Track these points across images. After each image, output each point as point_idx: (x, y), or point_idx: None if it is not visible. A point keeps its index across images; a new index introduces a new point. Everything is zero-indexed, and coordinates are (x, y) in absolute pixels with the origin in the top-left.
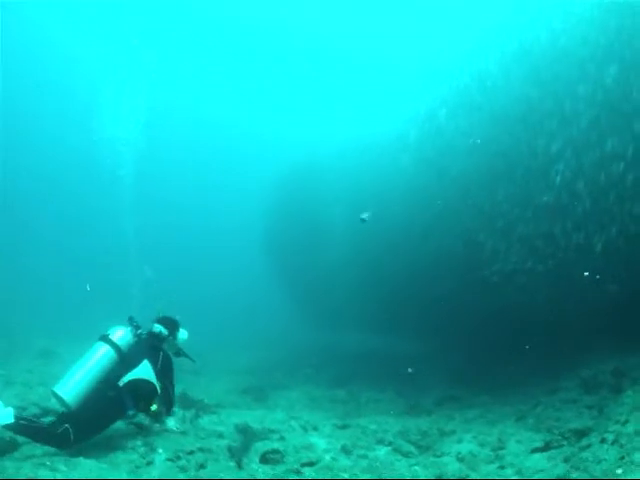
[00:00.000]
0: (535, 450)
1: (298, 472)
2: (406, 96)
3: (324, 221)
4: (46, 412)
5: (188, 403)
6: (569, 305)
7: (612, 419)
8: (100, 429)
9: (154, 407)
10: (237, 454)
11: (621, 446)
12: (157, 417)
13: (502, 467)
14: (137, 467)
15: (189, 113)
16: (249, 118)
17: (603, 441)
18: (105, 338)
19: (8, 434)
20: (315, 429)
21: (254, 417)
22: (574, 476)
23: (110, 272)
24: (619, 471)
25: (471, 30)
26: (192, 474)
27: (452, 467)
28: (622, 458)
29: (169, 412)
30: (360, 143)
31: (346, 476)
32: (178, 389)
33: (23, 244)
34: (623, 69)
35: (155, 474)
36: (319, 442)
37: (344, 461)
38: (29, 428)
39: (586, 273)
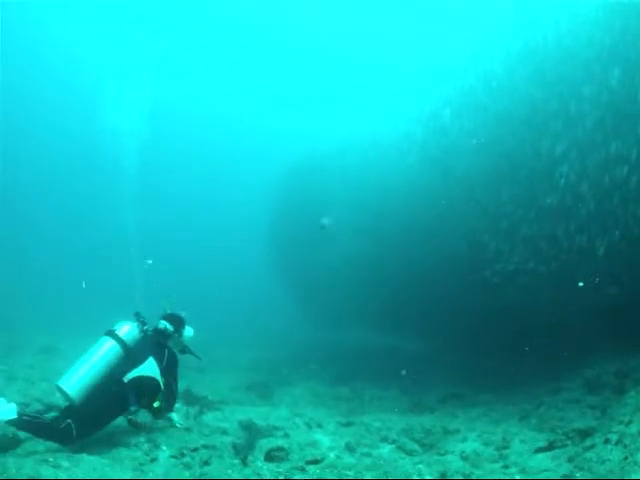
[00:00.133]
0: (539, 450)
1: (303, 470)
2: (411, 95)
3: (328, 219)
4: (49, 408)
5: (192, 399)
6: (572, 306)
7: (616, 419)
8: (102, 424)
9: (156, 404)
10: (242, 451)
11: (625, 446)
12: (159, 414)
13: (506, 466)
14: (141, 464)
15: (193, 108)
16: (254, 114)
17: (607, 441)
18: (111, 333)
19: (11, 430)
20: (319, 426)
21: (258, 414)
22: (578, 476)
23: (111, 266)
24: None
25: (476, 30)
26: (196, 471)
27: (456, 465)
28: (626, 458)
29: (171, 409)
30: (364, 141)
31: (351, 475)
32: (182, 385)
33: (24, 237)
34: (628, 70)
35: (159, 471)
36: (323, 439)
37: (348, 459)
38: (32, 424)
39: (580, 284)
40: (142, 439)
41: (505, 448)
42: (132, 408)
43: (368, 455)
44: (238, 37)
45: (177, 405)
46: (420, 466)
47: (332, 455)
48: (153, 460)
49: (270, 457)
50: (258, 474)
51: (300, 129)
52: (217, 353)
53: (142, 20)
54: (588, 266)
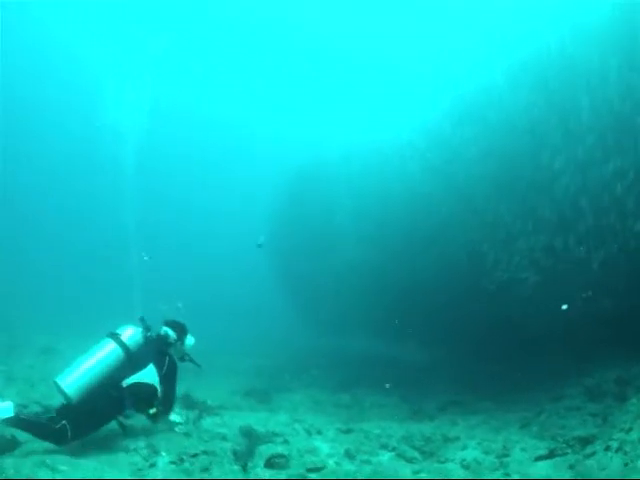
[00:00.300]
0: (540, 458)
1: (304, 478)
2: (413, 103)
3: (329, 226)
4: (48, 410)
5: (191, 404)
6: (573, 314)
7: (617, 427)
8: (97, 426)
9: (152, 410)
10: (242, 458)
11: (625, 453)
12: (154, 419)
13: (507, 474)
14: (140, 469)
15: (195, 111)
16: (257, 118)
17: (607, 449)
18: (114, 336)
19: (9, 432)
20: (319, 433)
21: (257, 419)
22: None
23: (111, 266)
24: None
25: (478, 40)
26: (196, 478)
27: (457, 474)
28: (626, 465)
29: (168, 413)
30: (367, 149)
31: None
32: (181, 390)
33: (23, 237)
34: (630, 83)
35: (158, 477)
36: (323, 446)
37: (348, 466)
38: (28, 422)
39: (564, 306)
40: (141, 444)
41: (506, 456)
42: (127, 412)
43: (368, 462)
44: (242, 40)
45: (176, 410)
46: (420, 474)
47: (332, 462)
48: (152, 466)
49: (270, 464)
50: None
51: (304, 135)
52: (217, 358)
53: (143, 20)
54: (586, 277)
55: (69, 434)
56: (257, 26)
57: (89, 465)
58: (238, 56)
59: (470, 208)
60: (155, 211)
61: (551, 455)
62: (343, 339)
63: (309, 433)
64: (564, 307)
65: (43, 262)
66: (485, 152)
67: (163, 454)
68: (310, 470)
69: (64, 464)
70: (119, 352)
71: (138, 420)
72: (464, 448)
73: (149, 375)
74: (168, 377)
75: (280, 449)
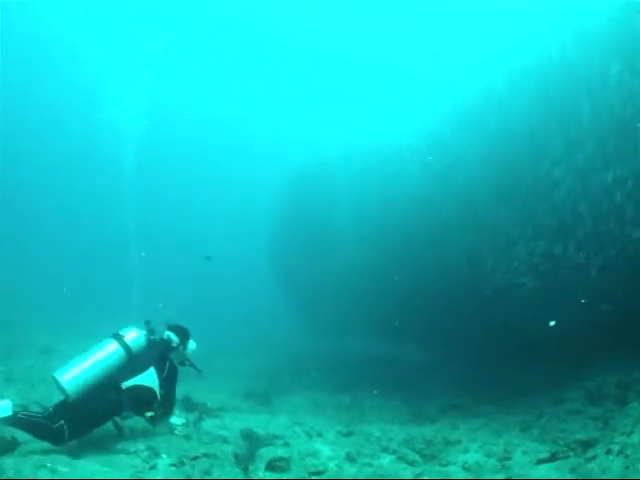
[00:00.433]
0: (541, 461)
1: None
2: (414, 107)
3: (329, 228)
4: (45, 408)
5: (191, 406)
6: (572, 320)
7: (618, 430)
8: (95, 427)
9: (150, 413)
10: (243, 461)
11: (626, 457)
12: (152, 422)
13: (509, 478)
14: (140, 472)
15: (195, 112)
16: (258, 119)
17: (609, 452)
18: (117, 336)
19: (9, 433)
20: (319, 435)
21: (258, 422)
22: None
23: (110, 266)
24: None
25: (479, 45)
26: None
27: (458, 477)
28: (627, 468)
29: (168, 416)
30: (367, 150)
31: None
32: (181, 391)
33: (23, 237)
34: (631, 88)
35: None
36: (323, 449)
37: (349, 469)
38: (26, 422)
39: (552, 323)
40: (141, 446)
41: (507, 459)
42: (125, 413)
43: (369, 465)
44: (243, 41)
45: (176, 412)
46: (422, 477)
47: (332, 465)
48: (152, 468)
49: (271, 467)
50: None
51: (305, 136)
52: (216, 360)
53: (142, 20)
54: (585, 283)
55: (67, 434)
56: (259, 28)
57: (89, 467)
58: (239, 56)
59: (470, 213)
60: (155, 211)
61: (553, 458)
62: (343, 341)
63: (309, 436)
64: (552, 324)
65: (43, 262)
66: (485, 157)
67: (163, 456)
68: (312, 473)
69: (64, 466)
70: (121, 353)
71: (138, 422)
72: (465, 451)
73: (149, 378)
74: (168, 381)
75: (281, 452)
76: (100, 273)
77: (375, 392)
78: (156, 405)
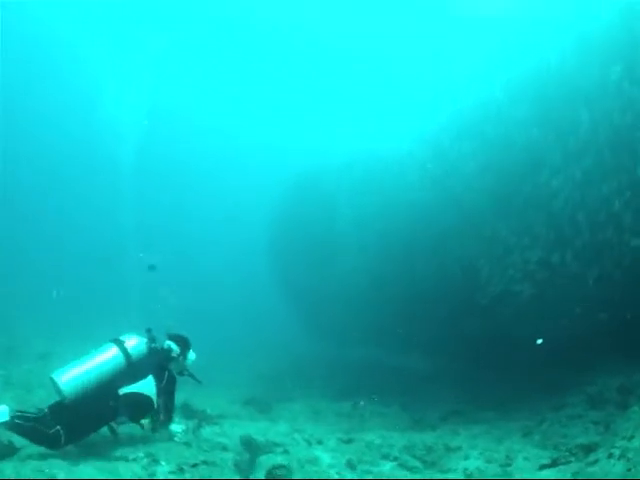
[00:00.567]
0: (543, 467)
1: None
2: (414, 114)
3: (330, 234)
4: (41, 409)
5: (190, 413)
6: (571, 326)
7: (619, 434)
8: (91, 431)
9: (145, 421)
10: (243, 469)
11: (628, 460)
12: (150, 430)
13: None
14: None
15: (195, 116)
16: (258, 123)
17: (610, 456)
18: (118, 342)
19: (6, 437)
20: (319, 443)
21: (257, 429)
22: None
23: (110, 269)
24: None
25: (478, 54)
26: None
27: None
28: (629, 470)
29: (166, 425)
30: (367, 158)
31: None
32: (180, 398)
33: (22, 238)
34: (631, 96)
35: None
36: (324, 456)
37: (350, 476)
38: (23, 427)
39: (539, 341)
40: (141, 453)
41: (508, 465)
42: (120, 419)
43: (369, 473)
44: (243, 46)
45: (176, 420)
46: None
47: (333, 472)
48: (151, 475)
49: (271, 475)
50: None
51: (305, 143)
52: (216, 366)
53: (142, 22)
54: (582, 291)
55: (63, 439)
56: (261, 33)
57: (88, 473)
58: (239, 61)
59: (468, 221)
60: (155, 216)
61: (554, 464)
62: (343, 348)
63: (309, 443)
64: (539, 341)
65: (42, 263)
66: (483, 166)
67: (163, 464)
68: None
69: (62, 472)
70: (121, 359)
71: (138, 429)
72: (466, 458)
73: (147, 386)
74: (166, 391)
75: (280, 459)
76: (100, 275)
77: (375, 398)
78: (152, 414)
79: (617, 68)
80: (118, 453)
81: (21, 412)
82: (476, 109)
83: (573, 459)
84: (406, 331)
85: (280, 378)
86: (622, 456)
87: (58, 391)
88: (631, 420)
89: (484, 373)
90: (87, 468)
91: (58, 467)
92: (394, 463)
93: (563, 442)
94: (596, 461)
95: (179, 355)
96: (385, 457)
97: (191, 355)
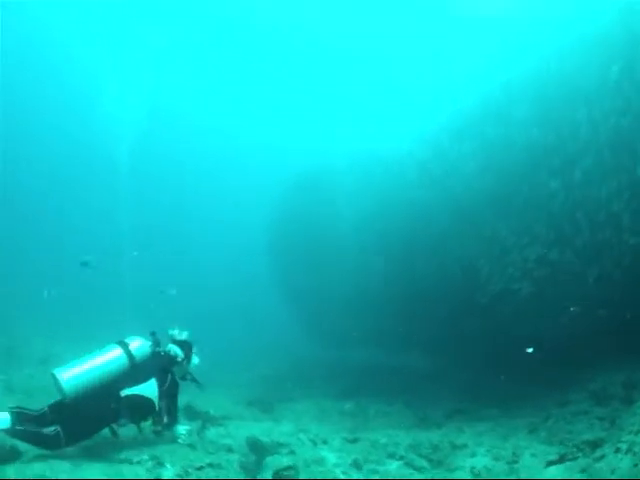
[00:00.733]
0: (550, 463)
1: None
2: (414, 115)
3: (330, 237)
4: (43, 409)
5: (194, 415)
6: (573, 323)
7: (625, 429)
8: (91, 433)
9: (147, 423)
10: (249, 470)
11: (634, 454)
12: (152, 432)
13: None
14: None
15: (195, 116)
16: (258, 123)
17: (617, 451)
18: (122, 343)
19: (9, 442)
20: (324, 442)
21: (262, 430)
22: None
23: (110, 270)
24: None
25: (478, 55)
26: None
27: None
28: (636, 465)
29: (172, 425)
30: (368, 158)
31: None
32: (183, 400)
33: (23, 238)
34: (630, 97)
35: None
36: (329, 456)
37: (356, 476)
38: (23, 433)
39: (529, 350)
40: (145, 456)
41: (515, 462)
42: (122, 421)
43: (375, 472)
44: (243, 45)
45: (181, 421)
46: None
47: (339, 472)
48: (157, 478)
49: (279, 476)
50: None
51: (305, 144)
52: (218, 368)
53: (141, 21)
54: (582, 289)
55: (63, 440)
56: (261, 32)
57: (92, 477)
58: (240, 62)
59: (467, 220)
60: (154, 217)
61: (562, 460)
62: (344, 348)
63: (314, 443)
64: (529, 350)
65: (43, 263)
66: (483, 167)
67: (168, 466)
68: None
69: (66, 475)
70: (124, 360)
71: (145, 432)
72: (473, 455)
73: (149, 389)
74: (168, 394)
75: (286, 460)
76: (100, 277)
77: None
78: (154, 416)
79: (616, 68)
80: (122, 456)
81: (21, 408)
82: (476, 109)
83: (580, 455)
84: (406, 330)
85: (281, 379)
86: (629, 450)
87: (59, 388)
88: (637, 415)
89: (484, 372)
90: (91, 471)
91: (62, 471)
92: (400, 462)
93: (569, 438)
94: (603, 456)
95: (183, 360)
96: (391, 456)
97: (194, 359)
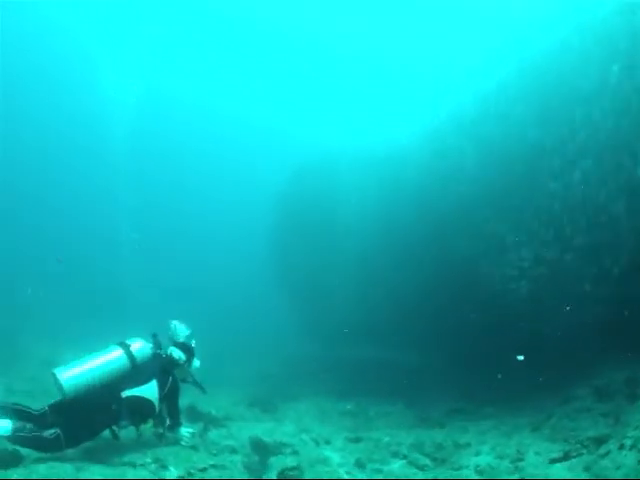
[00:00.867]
0: (554, 460)
1: None
2: (414, 112)
3: (329, 234)
4: (43, 409)
5: (196, 416)
6: (572, 322)
7: (630, 425)
8: (92, 435)
9: (148, 425)
10: (254, 471)
11: (639, 450)
12: (152, 434)
13: (524, 479)
14: None
15: (196, 105)
16: (260, 112)
17: (621, 447)
18: (123, 344)
19: (10, 447)
20: (327, 442)
21: (264, 430)
22: None
23: (107, 273)
24: None
25: (478, 54)
26: None
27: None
28: None
29: (176, 427)
30: (367, 155)
31: None
32: (184, 401)
33: (23, 239)
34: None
35: None
36: (333, 456)
37: (360, 476)
38: (23, 439)
39: (521, 357)
40: (148, 459)
41: (520, 460)
42: (122, 422)
43: (379, 471)
44: (243, 33)
45: (185, 423)
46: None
47: (343, 472)
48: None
49: (284, 476)
50: None
51: (305, 137)
52: (217, 368)
53: (140, 9)
54: (581, 288)
55: (63, 442)
56: (262, 22)
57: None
58: (239, 49)
59: (467, 219)
60: (151, 211)
61: (566, 457)
62: (341, 347)
63: (317, 443)
64: (520, 358)
65: (43, 264)
66: (482, 166)
67: (171, 469)
68: None
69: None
70: (125, 361)
71: (143, 433)
72: (477, 454)
73: (150, 391)
74: (169, 396)
75: (290, 460)
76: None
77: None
78: (154, 419)
79: (617, 67)
80: (125, 459)
81: (21, 406)
82: (474, 108)
83: (585, 451)
84: (403, 328)
85: (279, 378)
86: (633, 446)
87: (59, 387)
88: None
89: (485, 370)
90: (94, 475)
91: (65, 475)
92: (404, 461)
93: (573, 435)
94: (608, 453)
95: (184, 362)
96: (394, 455)
97: (195, 362)
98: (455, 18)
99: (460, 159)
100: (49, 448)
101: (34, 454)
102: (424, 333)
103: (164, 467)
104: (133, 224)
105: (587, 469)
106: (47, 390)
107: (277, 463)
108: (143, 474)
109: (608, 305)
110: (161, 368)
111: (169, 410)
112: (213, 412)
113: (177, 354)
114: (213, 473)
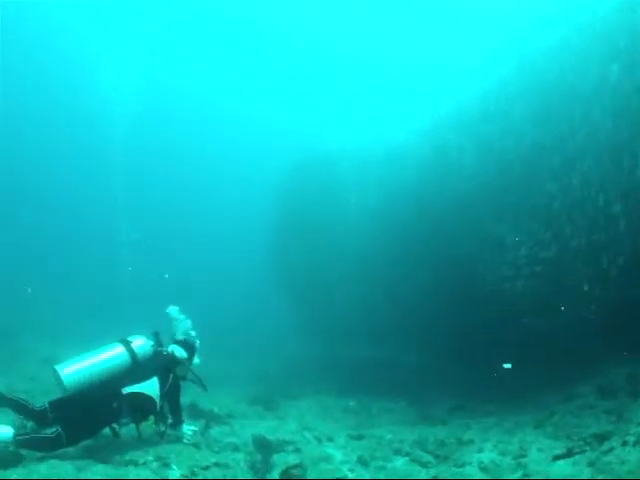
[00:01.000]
0: (558, 457)
1: None
2: (414, 110)
3: (329, 233)
4: (44, 405)
5: (197, 413)
6: (571, 321)
7: (633, 421)
8: (92, 432)
9: (149, 422)
10: (257, 469)
11: None
12: (153, 432)
13: (527, 475)
14: None
15: (195, 103)
16: (259, 110)
17: (625, 443)
18: (124, 341)
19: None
20: (330, 440)
21: (267, 428)
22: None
23: (107, 273)
24: None
25: (478, 53)
26: None
27: (476, 477)
28: None
29: (178, 425)
30: (367, 154)
31: None
32: (186, 399)
33: (23, 239)
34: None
35: None
36: (335, 453)
37: (362, 472)
38: (24, 441)
39: (509, 365)
40: (151, 457)
41: (523, 457)
42: (123, 420)
43: (382, 468)
44: (243, 32)
45: (187, 421)
46: (439, 477)
47: (346, 469)
48: (164, 479)
49: (287, 474)
50: None
51: (305, 136)
52: (218, 366)
53: (140, 4)
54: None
55: (64, 440)
56: (262, 21)
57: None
58: (238, 48)
59: (466, 218)
60: (149, 210)
61: (569, 454)
62: (346, 348)
63: (320, 440)
64: (507, 365)
65: (43, 264)
66: (482, 165)
67: (174, 467)
68: None
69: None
70: (126, 358)
71: (146, 431)
72: (480, 451)
73: (151, 388)
74: (170, 394)
75: (293, 458)
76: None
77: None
78: (155, 416)
79: (616, 66)
80: (127, 457)
81: (22, 400)
82: (474, 106)
83: (588, 448)
84: (401, 326)
85: (279, 376)
86: (637, 443)
87: (60, 383)
88: None
89: (486, 368)
90: (96, 475)
91: (66, 474)
92: (407, 458)
93: (576, 432)
94: (611, 449)
95: (186, 360)
96: (397, 452)
97: (195, 360)
98: (455, 16)
99: (460, 157)
100: (51, 447)
101: (34, 454)
102: (424, 332)
103: (166, 465)
104: (133, 224)
105: (590, 465)
106: (47, 390)
107: (280, 461)
108: (145, 473)
109: (608, 305)
110: (162, 366)
111: (171, 407)
112: (215, 409)
113: (179, 352)
114: (216, 471)
